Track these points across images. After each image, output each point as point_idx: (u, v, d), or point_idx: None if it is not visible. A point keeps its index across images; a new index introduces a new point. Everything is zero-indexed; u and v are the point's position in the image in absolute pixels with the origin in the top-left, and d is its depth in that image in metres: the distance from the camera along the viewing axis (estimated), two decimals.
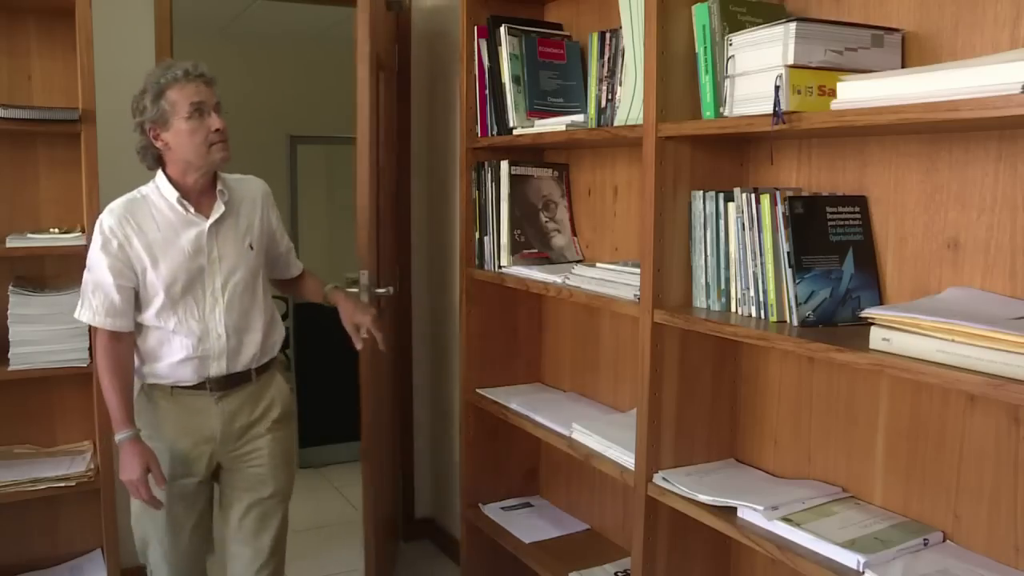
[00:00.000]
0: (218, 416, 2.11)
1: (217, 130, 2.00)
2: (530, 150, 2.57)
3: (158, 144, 2.01)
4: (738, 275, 1.71)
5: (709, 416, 1.94)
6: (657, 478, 1.87)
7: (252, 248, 2.14)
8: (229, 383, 2.11)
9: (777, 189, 1.66)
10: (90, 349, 2.44)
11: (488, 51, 2.43)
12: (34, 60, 2.58)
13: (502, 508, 2.69)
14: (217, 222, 2.07)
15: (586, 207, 2.51)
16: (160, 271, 2.01)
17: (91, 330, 2.26)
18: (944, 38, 1.50)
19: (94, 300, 2.01)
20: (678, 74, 1.78)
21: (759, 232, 1.65)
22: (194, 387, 2.08)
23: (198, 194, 2.06)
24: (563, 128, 2.18)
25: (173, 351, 2.05)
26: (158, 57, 2.86)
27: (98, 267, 2.00)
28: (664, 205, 1.82)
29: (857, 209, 1.64)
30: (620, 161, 2.35)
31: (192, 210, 2.04)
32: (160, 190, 2.05)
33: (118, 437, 2.03)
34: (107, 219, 2.01)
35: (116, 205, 2.04)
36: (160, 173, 2.06)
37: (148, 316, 2.04)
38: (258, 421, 2.17)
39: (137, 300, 2.04)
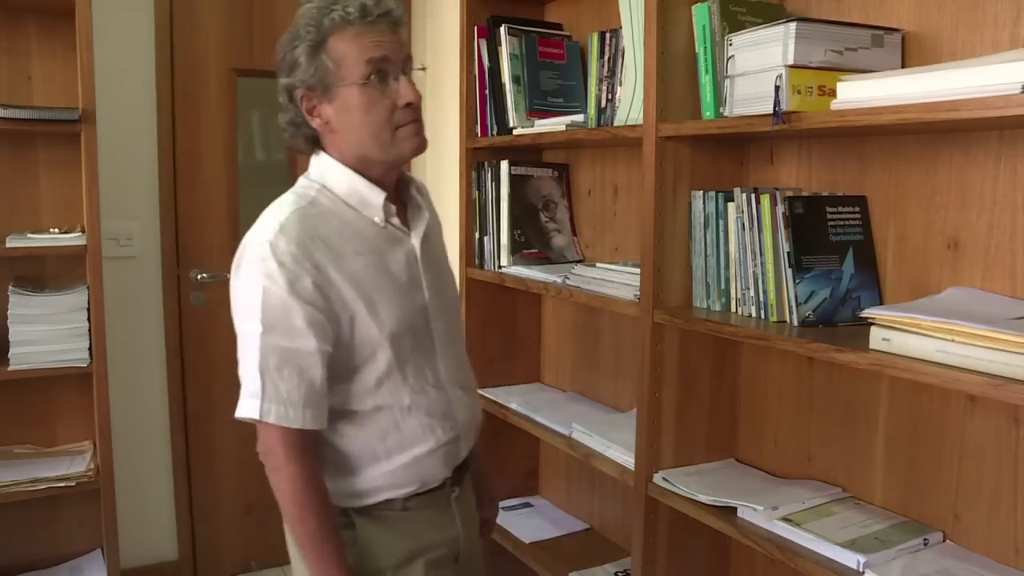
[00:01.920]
0: (461, 521, 1.47)
1: (408, 104, 1.33)
2: (530, 150, 2.57)
3: (314, 122, 1.35)
4: (738, 275, 1.71)
5: (709, 416, 1.94)
6: (657, 478, 1.87)
7: (449, 268, 1.56)
8: (464, 468, 1.49)
9: (777, 189, 1.66)
10: (91, 349, 2.44)
11: (488, 51, 2.43)
12: (34, 60, 2.57)
13: (502, 508, 2.69)
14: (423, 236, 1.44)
15: (586, 207, 2.51)
16: (381, 317, 1.33)
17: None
18: (944, 38, 1.50)
19: (282, 383, 1.26)
20: (678, 74, 1.78)
21: (759, 232, 1.65)
22: (434, 488, 1.42)
23: (390, 194, 1.41)
24: (563, 128, 2.18)
25: (412, 440, 1.37)
26: (158, 57, 2.86)
27: (285, 324, 1.26)
28: (664, 205, 1.82)
29: (857, 209, 1.64)
30: (620, 161, 2.35)
31: (398, 221, 1.41)
32: (334, 190, 1.37)
33: None
34: (281, 242, 1.26)
35: (284, 218, 1.30)
36: (328, 161, 1.38)
37: (361, 393, 1.34)
38: (476, 512, 1.59)
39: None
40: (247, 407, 1.29)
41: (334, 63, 1.30)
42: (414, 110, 1.35)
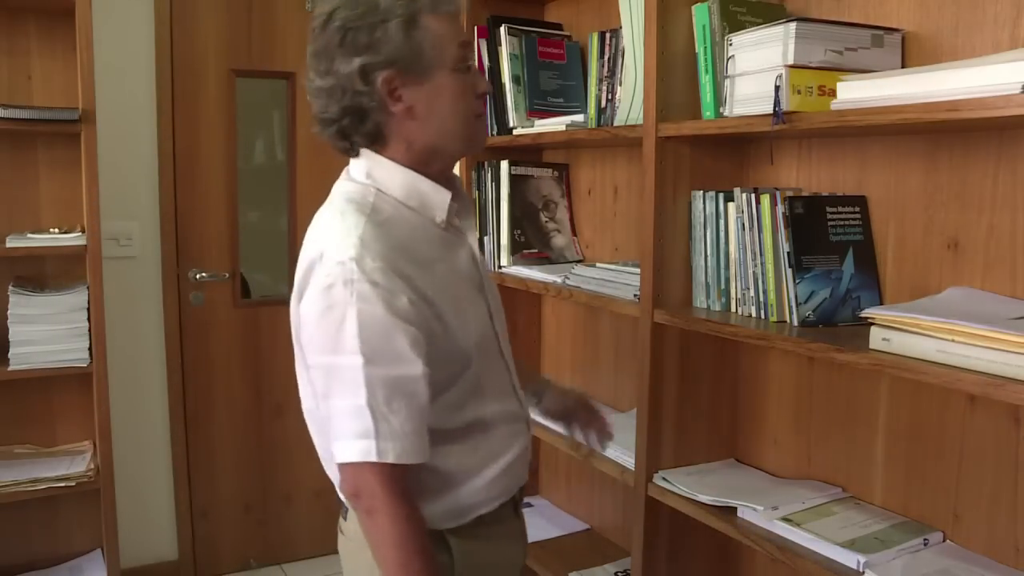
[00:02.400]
0: (523, 533, 1.43)
1: (483, 94, 1.27)
2: (530, 150, 2.57)
3: (395, 107, 1.20)
4: (738, 275, 1.71)
5: (709, 416, 1.94)
6: (657, 478, 1.87)
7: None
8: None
9: (777, 189, 1.66)
10: (91, 349, 2.43)
11: (488, 51, 2.43)
12: (34, 60, 2.57)
13: None
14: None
15: (586, 207, 2.51)
16: (468, 326, 1.24)
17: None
18: (944, 38, 1.50)
19: (394, 416, 1.13)
20: (678, 74, 1.78)
21: (759, 232, 1.65)
22: (507, 502, 1.35)
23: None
24: (563, 128, 2.18)
25: (500, 449, 1.30)
26: (158, 57, 2.86)
27: (388, 350, 1.13)
28: (664, 205, 1.81)
29: (857, 209, 1.64)
30: (620, 161, 2.35)
31: (457, 221, 1.31)
32: (391, 192, 1.24)
33: None
34: (367, 259, 1.13)
35: (361, 230, 1.16)
36: (382, 161, 1.24)
37: (453, 408, 1.24)
38: None
39: None
40: (359, 449, 1.12)
41: (432, 45, 1.18)
42: (484, 101, 1.29)
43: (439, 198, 1.25)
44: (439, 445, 1.22)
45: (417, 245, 1.21)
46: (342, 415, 1.14)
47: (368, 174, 1.25)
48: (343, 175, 1.30)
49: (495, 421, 1.30)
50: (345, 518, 1.33)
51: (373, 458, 1.12)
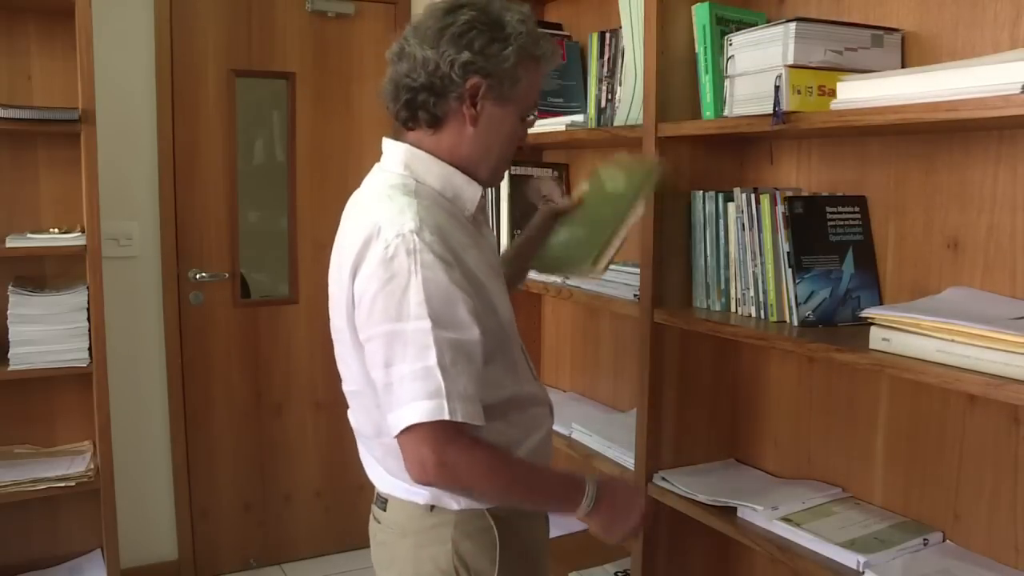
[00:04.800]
0: (547, 514, 1.50)
1: (522, 146, 1.42)
2: (530, 150, 2.57)
3: (467, 108, 1.29)
4: (738, 275, 1.71)
5: (709, 416, 1.94)
6: (657, 478, 1.87)
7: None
8: None
9: (777, 189, 1.66)
10: (90, 349, 2.44)
11: None
12: (34, 60, 2.57)
13: None
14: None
15: None
16: (502, 307, 1.33)
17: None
18: (944, 38, 1.50)
19: (460, 378, 1.18)
20: (678, 74, 1.78)
21: (759, 232, 1.65)
22: None
23: None
24: (563, 128, 2.18)
25: (532, 428, 1.38)
26: (158, 57, 2.86)
27: (451, 315, 1.20)
28: (664, 205, 1.82)
29: (857, 209, 1.64)
30: None
31: (480, 216, 1.42)
32: (429, 183, 1.32)
33: (588, 497, 1.29)
34: (426, 232, 1.21)
35: (415, 209, 1.23)
36: (421, 155, 1.33)
37: (494, 385, 1.29)
38: None
39: None
40: (427, 409, 1.16)
41: (527, 82, 1.32)
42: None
43: (471, 191, 1.34)
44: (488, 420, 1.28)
45: (454, 231, 1.27)
46: (407, 380, 1.18)
47: (406, 166, 1.33)
48: (376, 168, 1.38)
49: (527, 401, 1.38)
50: (384, 508, 1.38)
51: (444, 416, 1.16)
